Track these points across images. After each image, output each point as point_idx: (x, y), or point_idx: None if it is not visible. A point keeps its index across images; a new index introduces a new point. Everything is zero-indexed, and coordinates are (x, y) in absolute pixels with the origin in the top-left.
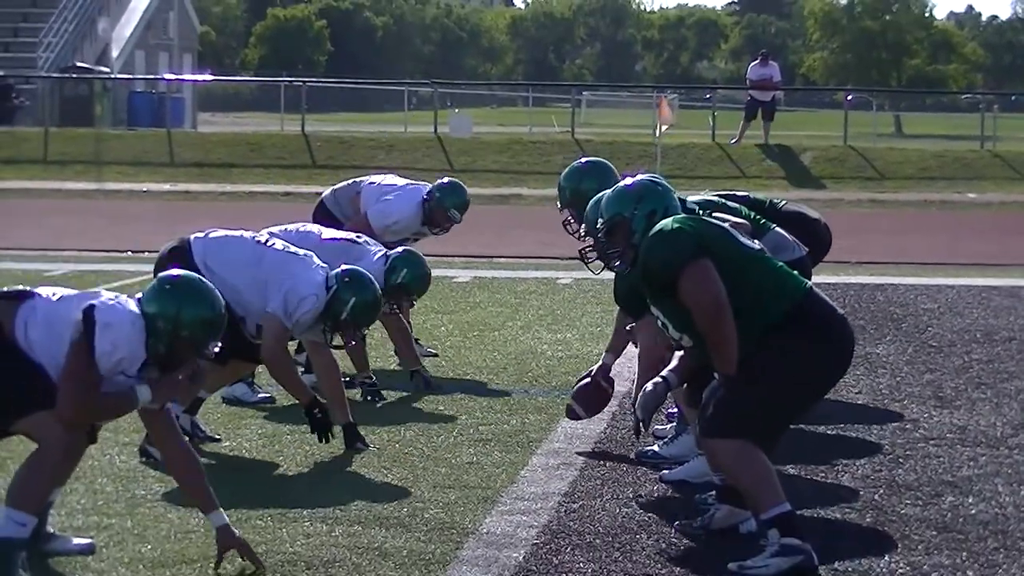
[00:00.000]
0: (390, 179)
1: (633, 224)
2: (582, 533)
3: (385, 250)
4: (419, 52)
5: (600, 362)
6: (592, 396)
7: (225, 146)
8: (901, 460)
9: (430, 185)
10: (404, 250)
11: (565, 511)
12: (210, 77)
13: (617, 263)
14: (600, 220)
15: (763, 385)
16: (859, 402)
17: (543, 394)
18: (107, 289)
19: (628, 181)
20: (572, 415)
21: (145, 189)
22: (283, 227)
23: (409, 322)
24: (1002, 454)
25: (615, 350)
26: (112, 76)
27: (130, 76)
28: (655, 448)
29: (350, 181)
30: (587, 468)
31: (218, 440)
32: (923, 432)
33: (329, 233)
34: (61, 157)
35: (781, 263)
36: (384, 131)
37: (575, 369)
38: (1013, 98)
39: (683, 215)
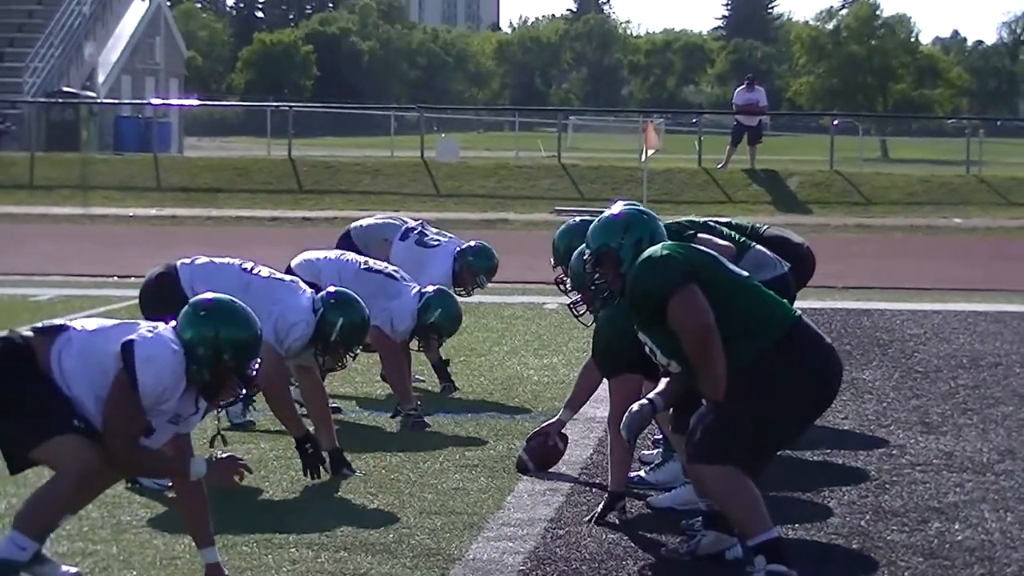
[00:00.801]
0: (414, 238)
1: (620, 254)
2: (568, 559)
3: (420, 288)
4: (405, 76)
5: (556, 417)
6: (545, 452)
7: (211, 171)
8: (887, 486)
9: (457, 242)
10: (438, 289)
11: (551, 537)
12: (196, 102)
13: (606, 295)
14: (587, 252)
15: (751, 412)
16: (845, 427)
17: (530, 419)
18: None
19: (613, 211)
20: (522, 468)
21: (132, 214)
22: (323, 252)
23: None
24: (988, 480)
25: (573, 407)
26: (98, 101)
27: (116, 101)
28: (642, 474)
29: (380, 221)
30: (573, 494)
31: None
32: (909, 458)
33: (370, 263)
34: (47, 182)
35: (770, 292)
36: (370, 155)
37: (561, 394)
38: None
39: (671, 242)
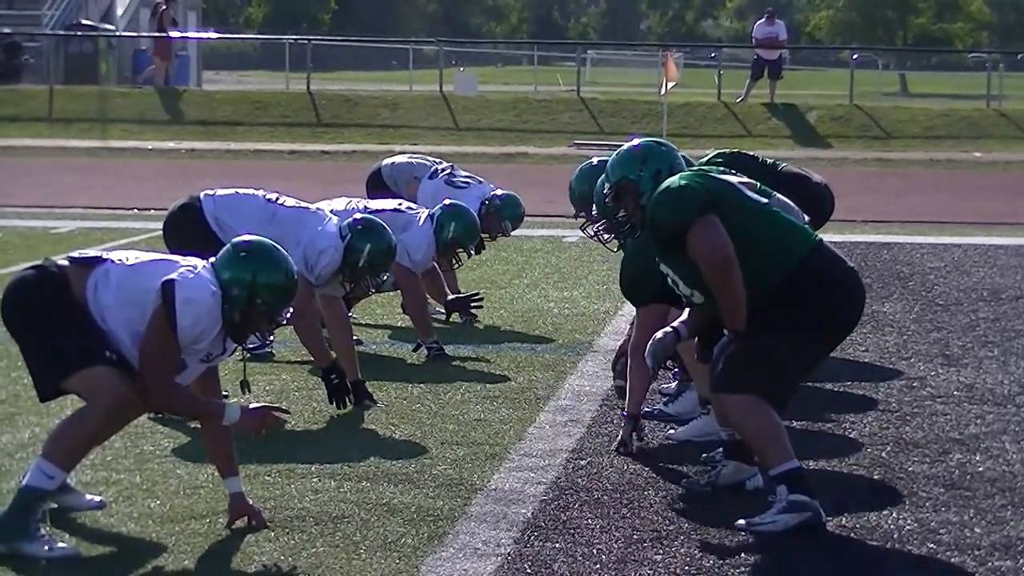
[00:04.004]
0: (443, 178)
1: (640, 186)
2: (590, 489)
3: (429, 212)
4: (424, 10)
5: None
6: None
7: (230, 104)
8: (908, 418)
9: (487, 188)
10: (448, 204)
11: (573, 468)
12: (215, 35)
13: (628, 228)
14: (606, 185)
15: (774, 339)
16: (866, 360)
17: (550, 351)
18: (121, 247)
19: (631, 144)
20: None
21: (150, 147)
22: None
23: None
24: (1009, 412)
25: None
26: (117, 34)
27: (135, 34)
28: (660, 407)
29: (411, 161)
30: (594, 425)
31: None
32: (930, 390)
33: (375, 204)
34: (66, 115)
35: (790, 217)
36: (389, 89)
37: (582, 327)
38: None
39: (689, 171)
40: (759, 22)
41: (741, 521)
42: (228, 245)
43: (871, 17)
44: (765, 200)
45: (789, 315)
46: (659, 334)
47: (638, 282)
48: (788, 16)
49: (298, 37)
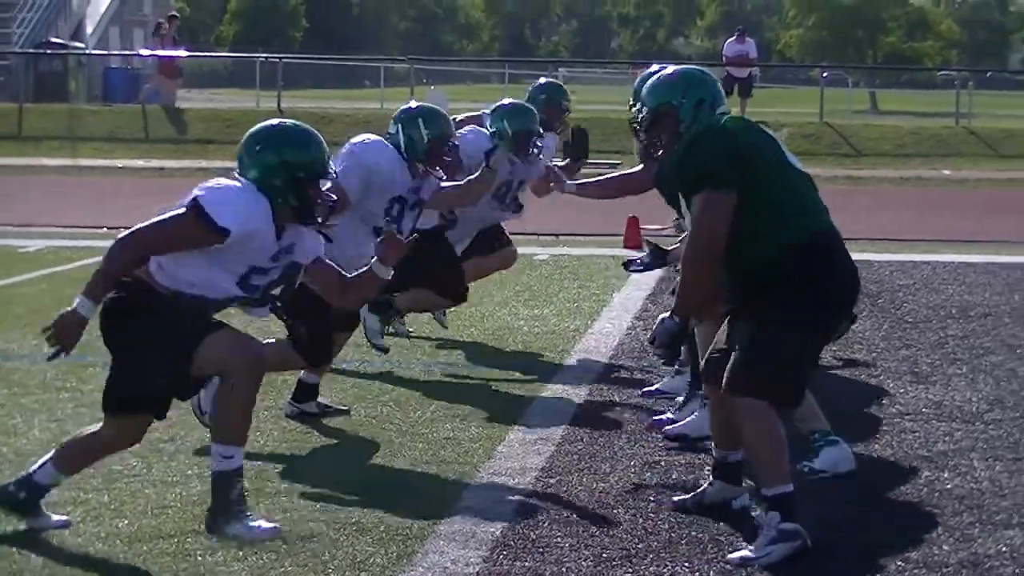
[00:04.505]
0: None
1: (681, 113)
2: (559, 508)
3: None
4: (395, 28)
5: None
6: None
7: (201, 122)
8: (877, 435)
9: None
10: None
11: (542, 486)
12: (185, 53)
13: (660, 154)
14: (643, 110)
15: (784, 330)
16: (835, 377)
17: (520, 369)
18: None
19: (669, 70)
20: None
21: (120, 165)
22: None
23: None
24: (977, 429)
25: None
26: (87, 52)
27: (105, 52)
28: (658, 386)
29: None
30: (564, 443)
31: (347, 411)
32: (899, 407)
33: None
34: (36, 133)
35: (813, 197)
36: (361, 107)
37: (552, 345)
38: (988, 75)
39: (733, 117)
40: (729, 40)
41: (734, 556)
42: (241, 146)
43: (842, 36)
44: (800, 166)
45: (800, 294)
46: (664, 315)
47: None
48: (759, 34)
49: (269, 55)
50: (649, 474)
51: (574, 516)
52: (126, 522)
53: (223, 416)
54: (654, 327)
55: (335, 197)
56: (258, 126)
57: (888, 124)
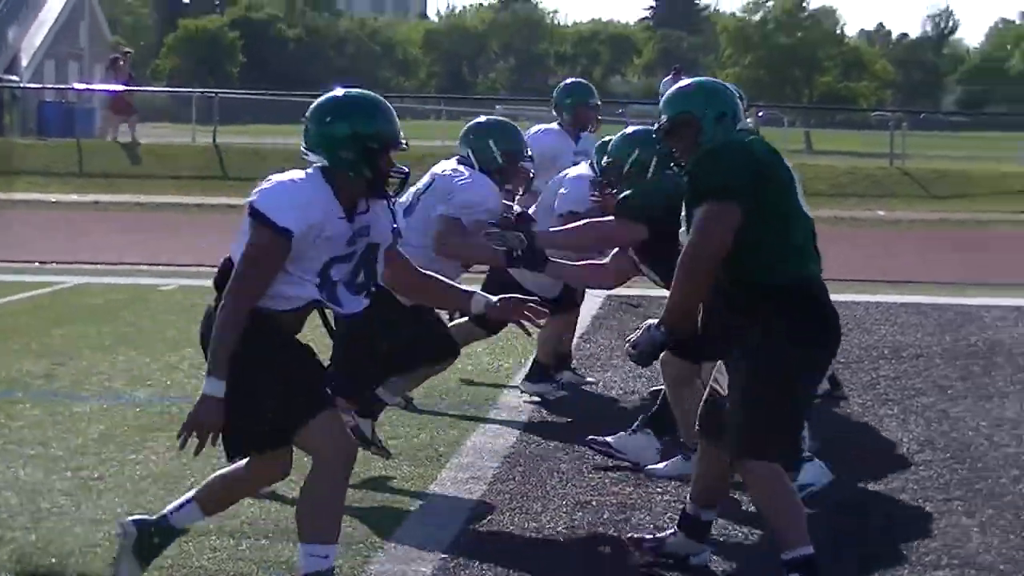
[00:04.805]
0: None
1: (703, 123)
2: (491, 547)
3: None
4: (333, 64)
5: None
6: None
7: (136, 157)
8: None
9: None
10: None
11: (474, 525)
12: (121, 87)
13: (675, 164)
14: (663, 118)
15: (772, 386)
16: None
17: (452, 408)
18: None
19: (689, 81)
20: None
21: (54, 200)
22: None
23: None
24: (908, 471)
25: None
26: (21, 85)
27: (40, 86)
28: (609, 440)
29: None
30: (496, 482)
31: (388, 455)
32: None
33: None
34: None
35: (809, 247)
36: (297, 143)
37: (484, 384)
38: (922, 115)
39: (756, 137)
40: (666, 79)
41: None
42: (310, 121)
43: (778, 75)
44: (807, 210)
45: (793, 329)
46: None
47: (642, 195)
48: (695, 72)
49: (205, 90)
50: (581, 514)
51: (505, 556)
52: (53, 561)
53: (316, 512)
54: (639, 332)
55: (406, 169)
56: (324, 97)
57: (823, 164)
